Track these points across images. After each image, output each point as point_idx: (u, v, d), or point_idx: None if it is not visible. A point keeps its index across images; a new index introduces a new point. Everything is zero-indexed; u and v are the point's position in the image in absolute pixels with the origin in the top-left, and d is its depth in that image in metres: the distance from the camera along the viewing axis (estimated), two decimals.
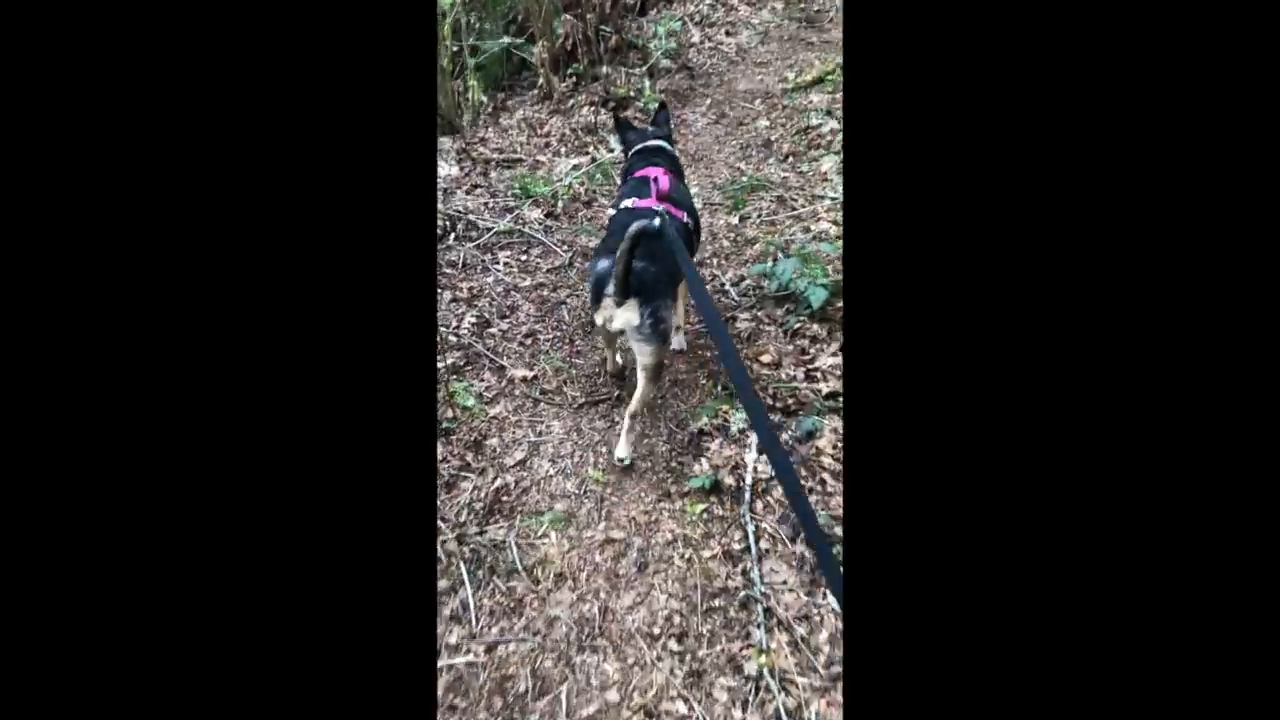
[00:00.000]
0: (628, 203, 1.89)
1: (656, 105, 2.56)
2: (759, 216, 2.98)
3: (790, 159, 3.47)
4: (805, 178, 3.29)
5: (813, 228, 2.89)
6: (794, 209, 3.04)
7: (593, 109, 3.79)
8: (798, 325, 2.28)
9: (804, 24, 5.26)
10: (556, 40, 3.90)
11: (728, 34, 5.06)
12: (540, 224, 2.95)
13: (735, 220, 2.95)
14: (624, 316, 1.65)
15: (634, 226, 1.54)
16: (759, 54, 4.85)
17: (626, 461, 1.82)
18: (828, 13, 5.43)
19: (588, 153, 3.47)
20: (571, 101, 3.90)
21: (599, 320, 1.72)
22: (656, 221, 1.58)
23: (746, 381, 0.99)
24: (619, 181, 2.33)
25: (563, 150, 3.52)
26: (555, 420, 2.01)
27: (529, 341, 2.34)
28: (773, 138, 3.69)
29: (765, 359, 2.17)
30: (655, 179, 1.90)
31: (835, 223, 2.91)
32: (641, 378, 1.77)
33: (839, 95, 3.98)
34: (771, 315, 2.38)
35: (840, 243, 2.49)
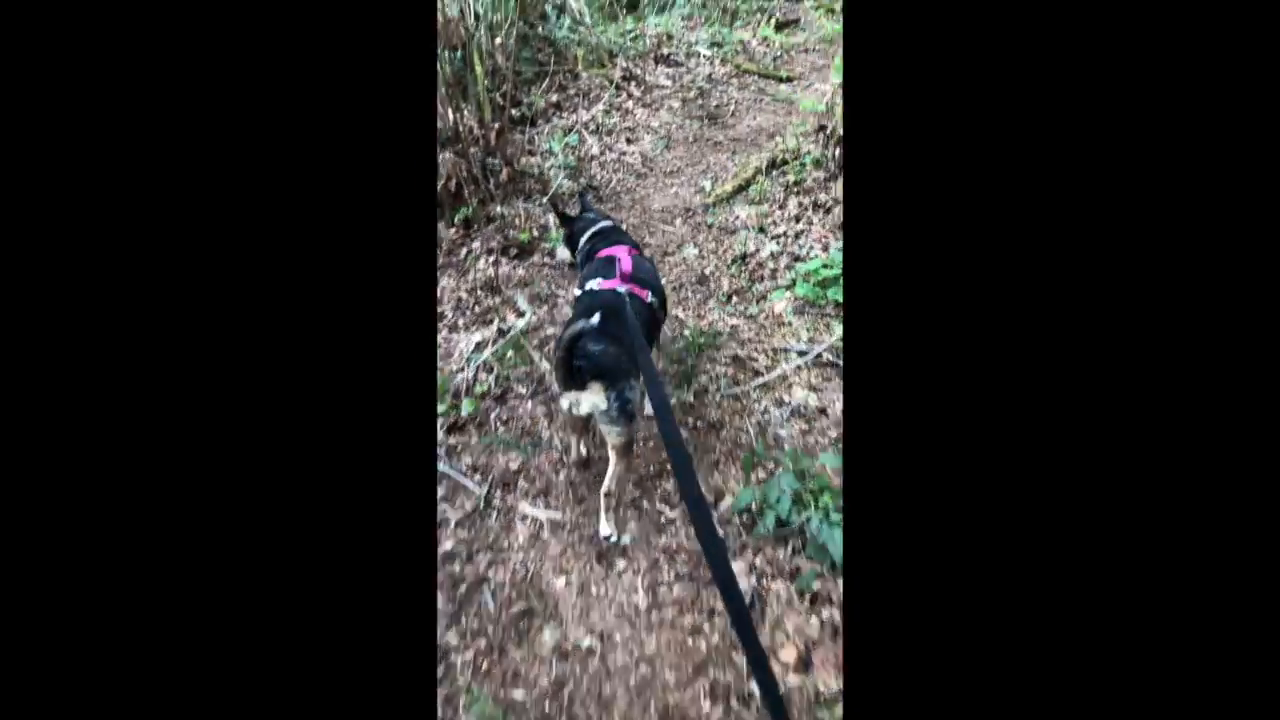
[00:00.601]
0: (593, 283, 1.86)
1: (578, 194, 2.62)
2: (717, 390, 2.40)
3: (734, 299, 2.94)
4: (758, 324, 2.76)
5: (786, 398, 2.32)
6: (757, 371, 2.48)
7: (492, 260, 3.16)
8: (816, 585, 1.65)
9: (706, 122, 4.92)
10: (438, 182, 3.29)
11: (629, 142, 4.63)
12: (439, 444, 2.24)
13: (689, 398, 2.35)
14: (589, 400, 1.63)
15: (569, 330, 1.53)
16: (667, 162, 4.42)
17: (614, 539, 1.83)
18: (728, 107, 5.13)
19: (492, 321, 2.81)
20: (465, 252, 3.26)
21: (564, 404, 1.70)
22: (595, 320, 1.59)
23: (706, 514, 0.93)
24: (578, 269, 2.23)
25: (460, 322, 2.85)
26: None
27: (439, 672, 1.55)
28: (707, 270, 3.17)
29: (785, 656, 1.52)
30: (619, 259, 1.90)
31: (812, 387, 2.35)
32: (612, 456, 1.77)
33: (767, 207, 3.55)
34: (775, 563, 1.75)
35: (840, 456, 1.92)
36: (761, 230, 3.34)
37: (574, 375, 1.59)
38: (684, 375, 2.45)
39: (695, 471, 1.12)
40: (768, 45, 6.43)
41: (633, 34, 6.12)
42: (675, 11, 6.97)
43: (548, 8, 5.46)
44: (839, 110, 3.65)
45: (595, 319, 1.59)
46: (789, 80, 5.66)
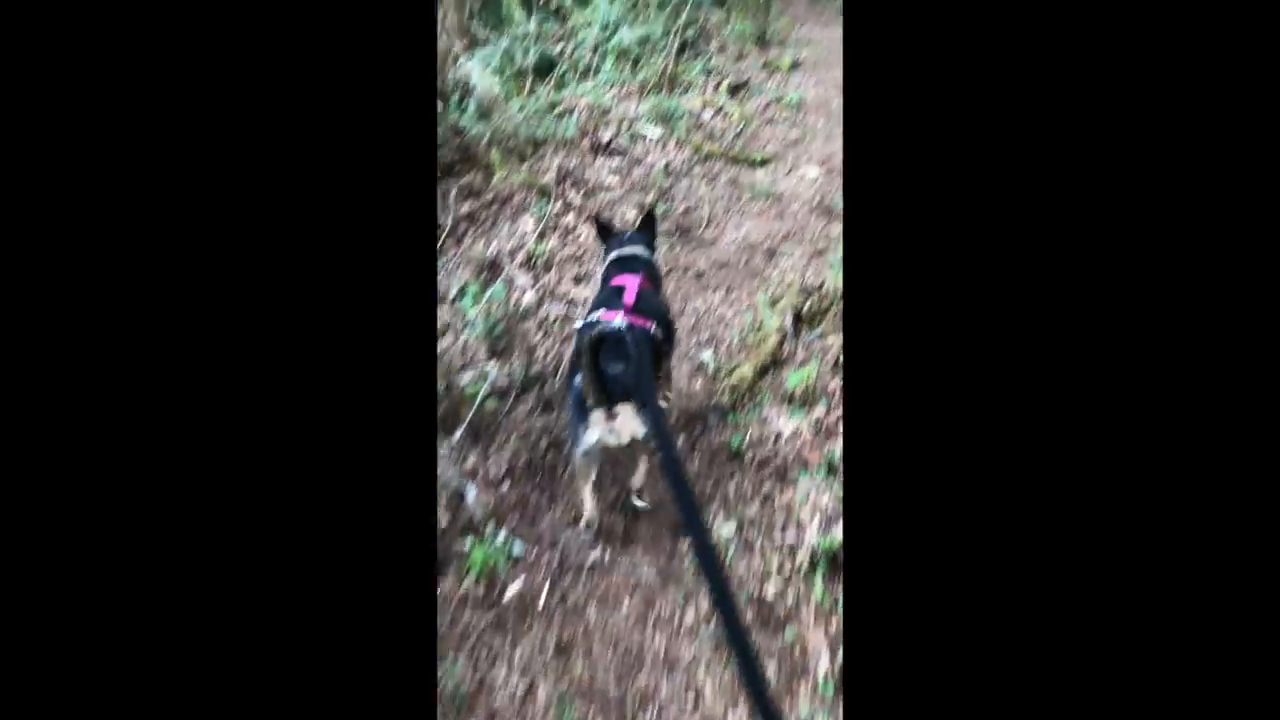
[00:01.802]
0: (595, 315, 1.77)
1: (644, 213, 2.31)
2: None
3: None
4: None
5: None
6: None
7: None
8: None
9: (677, 237, 3.64)
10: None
11: (577, 280, 3.26)
12: None
13: None
14: (629, 426, 1.56)
15: (584, 338, 1.50)
16: None
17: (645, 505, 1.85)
18: (699, 211, 3.87)
19: None
20: None
21: (591, 440, 1.58)
22: (618, 323, 1.58)
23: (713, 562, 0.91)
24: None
25: None
26: None
27: None
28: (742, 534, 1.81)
29: None
30: (626, 288, 1.86)
31: None
32: (643, 462, 1.81)
33: (823, 409, 2.24)
34: None
35: None
36: (831, 471, 1.98)
37: (607, 392, 1.50)
38: None
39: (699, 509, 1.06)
40: (725, 118, 5.26)
41: (557, 111, 4.83)
42: (601, 78, 5.75)
43: (450, 87, 4.10)
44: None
45: (618, 320, 1.58)
46: (764, 163, 4.47)
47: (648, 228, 2.22)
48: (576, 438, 1.64)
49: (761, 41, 7.50)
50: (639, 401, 1.51)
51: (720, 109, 5.37)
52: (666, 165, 4.31)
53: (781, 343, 2.54)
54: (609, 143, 4.47)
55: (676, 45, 5.70)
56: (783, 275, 3.08)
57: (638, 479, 1.79)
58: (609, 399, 1.52)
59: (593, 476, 1.78)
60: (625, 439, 1.56)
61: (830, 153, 4.61)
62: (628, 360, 1.53)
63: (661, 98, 5.39)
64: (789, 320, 2.62)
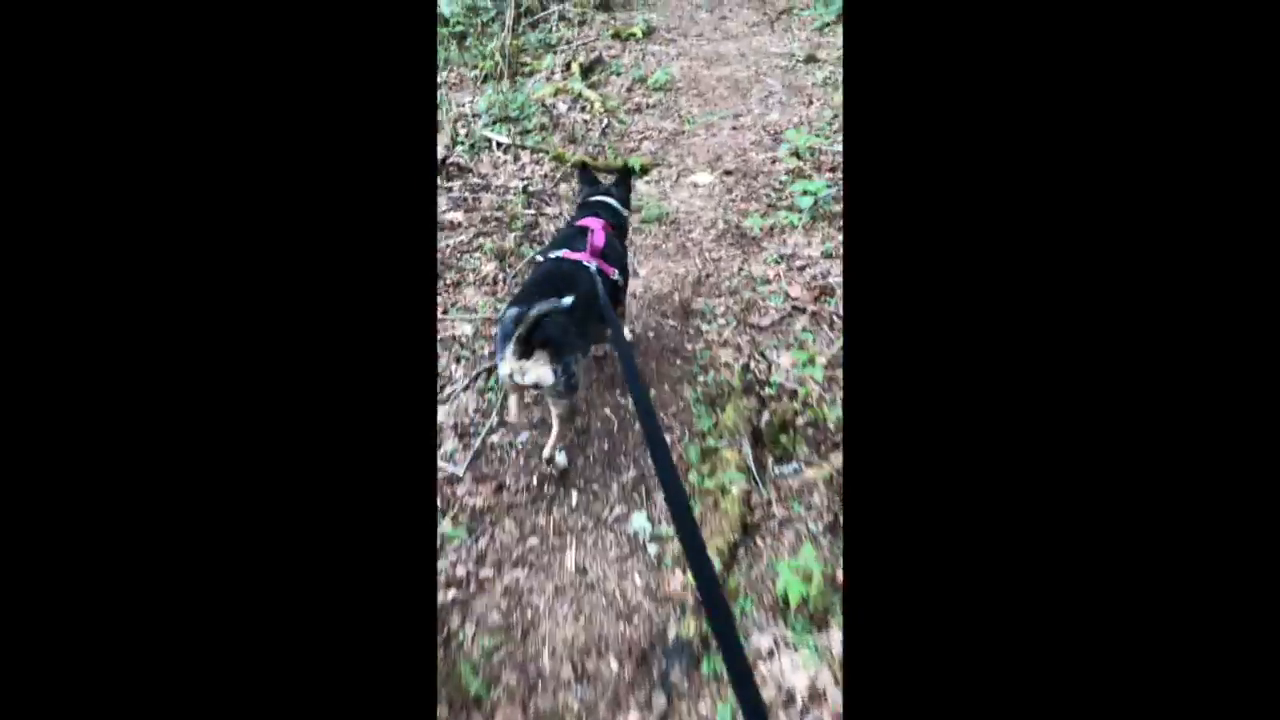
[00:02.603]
0: (558, 253, 1.86)
1: (622, 170, 2.54)
2: None
3: None
4: None
5: None
6: None
7: None
8: None
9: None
10: None
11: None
12: None
13: None
14: (535, 372, 1.61)
15: (537, 308, 1.51)
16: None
17: (563, 464, 1.87)
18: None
19: None
20: None
21: (504, 371, 1.64)
22: (568, 300, 1.57)
23: (681, 497, 0.85)
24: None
25: None
26: None
27: None
28: None
29: None
30: (592, 230, 1.91)
31: None
32: (555, 423, 1.80)
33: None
34: None
35: None
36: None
37: (526, 348, 1.56)
38: None
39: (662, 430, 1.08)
40: (584, 109, 4.30)
41: None
42: None
43: None
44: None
45: (568, 300, 1.57)
46: (645, 172, 3.61)
47: (624, 183, 2.30)
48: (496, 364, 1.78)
49: (605, 5, 6.52)
50: (553, 353, 1.58)
51: (578, 97, 4.40)
52: (525, 187, 3.31)
53: (747, 496, 1.74)
54: (445, 160, 3.39)
55: (512, 15, 4.60)
56: (713, 357, 2.28)
57: (549, 445, 1.83)
58: (525, 353, 1.57)
59: (514, 394, 1.95)
60: (529, 381, 1.62)
61: (716, 147, 3.82)
62: (569, 316, 1.59)
63: (503, 90, 4.32)
64: (745, 447, 1.83)
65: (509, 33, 4.58)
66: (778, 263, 2.74)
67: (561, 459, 1.86)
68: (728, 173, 3.53)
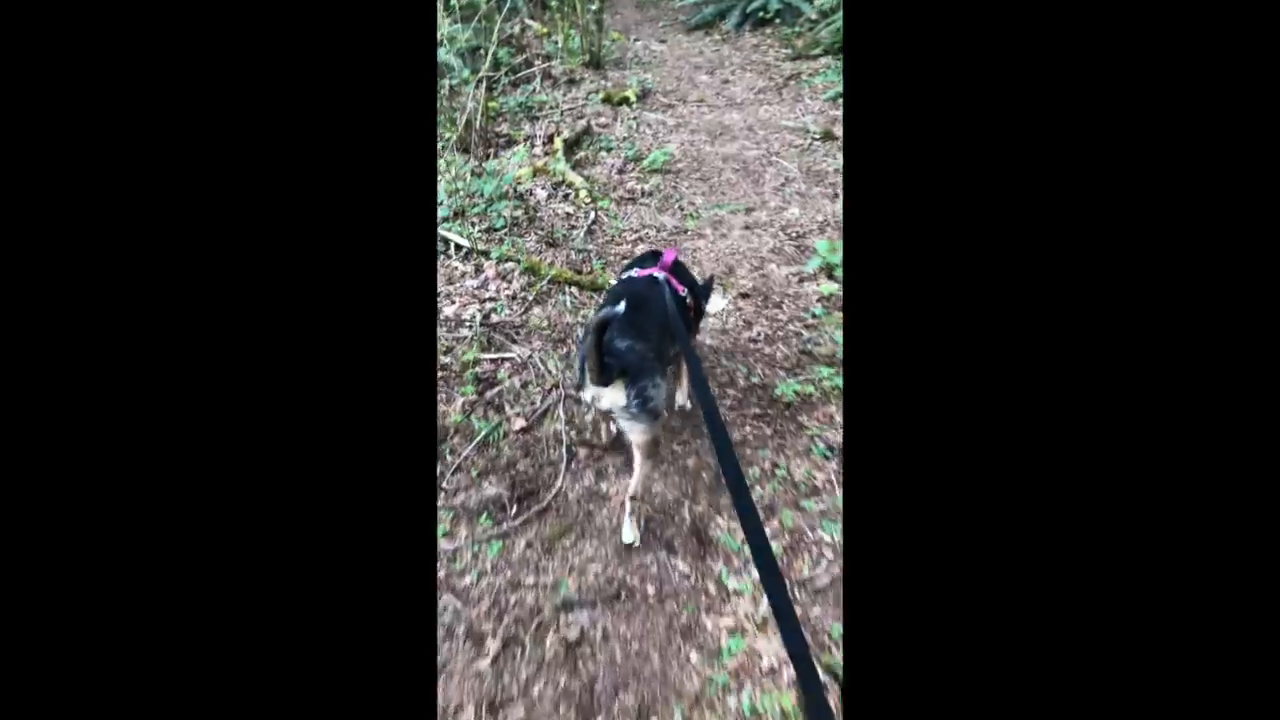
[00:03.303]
0: (631, 273, 1.86)
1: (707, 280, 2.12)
2: None
3: None
4: None
5: None
6: None
7: None
8: None
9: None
10: None
11: None
12: None
13: None
14: (610, 396, 1.54)
15: (595, 316, 1.43)
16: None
17: (635, 542, 1.75)
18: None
19: None
20: None
21: (586, 398, 1.59)
22: (620, 307, 1.53)
23: (744, 489, 0.88)
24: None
25: None
26: None
27: None
28: None
29: None
30: (664, 254, 1.91)
31: None
32: (637, 456, 1.69)
33: None
34: None
35: None
36: None
37: (603, 371, 1.47)
38: None
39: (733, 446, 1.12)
40: (568, 197, 3.57)
41: None
42: None
43: None
44: None
45: (621, 306, 1.54)
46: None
47: (707, 288, 2.05)
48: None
49: (595, 63, 5.88)
50: (630, 378, 1.51)
51: (561, 181, 3.67)
52: (486, 316, 2.54)
53: None
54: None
55: (486, 78, 3.88)
56: (746, 657, 1.50)
57: (634, 484, 1.71)
58: (605, 379, 1.50)
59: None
60: (605, 407, 1.56)
61: (727, 253, 3.11)
62: (634, 336, 1.55)
63: (466, 165, 3.58)
64: None
65: (480, 101, 3.86)
66: (827, 457, 1.99)
67: (629, 533, 1.73)
68: (744, 295, 2.80)
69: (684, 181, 3.90)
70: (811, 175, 3.88)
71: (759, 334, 2.56)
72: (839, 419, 2.13)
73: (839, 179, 3.78)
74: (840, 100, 4.98)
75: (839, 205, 3.50)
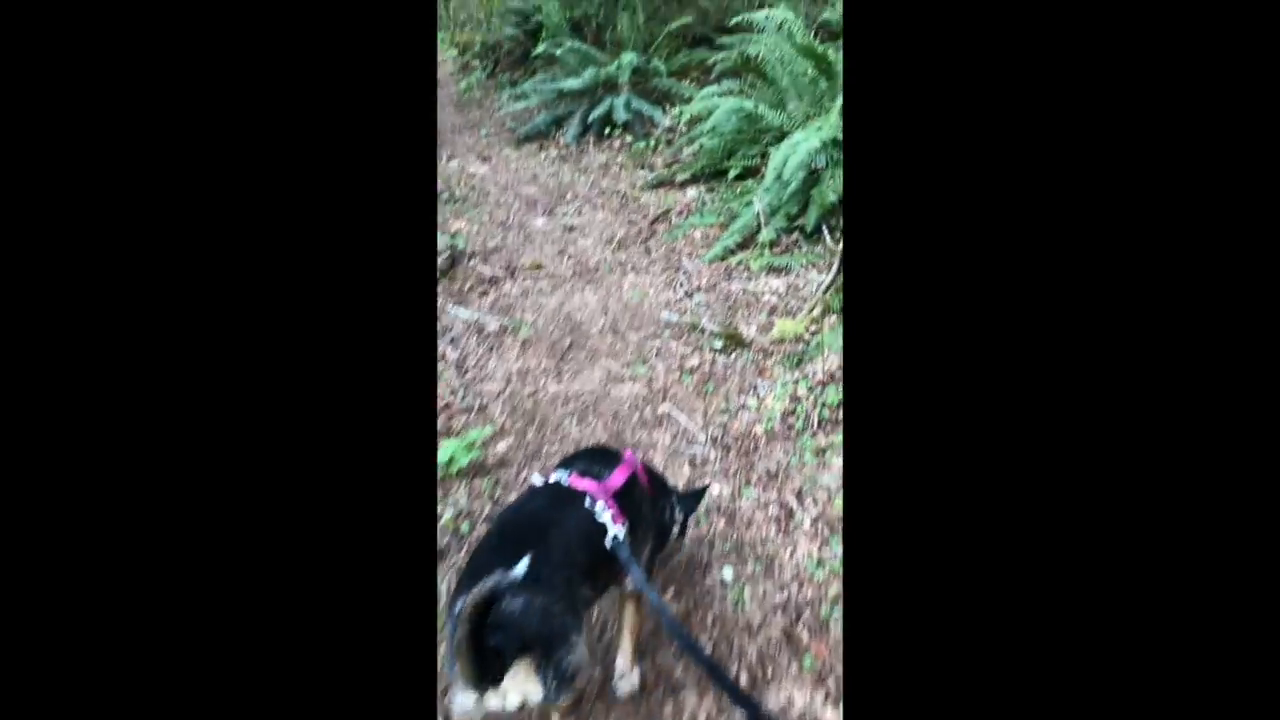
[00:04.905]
0: (558, 475, 1.35)
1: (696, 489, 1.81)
2: None
3: None
4: None
5: None
6: None
7: None
8: None
9: None
10: None
11: None
12: None
13: None
14: (520, 689, 1.04)
15: (469, 597, 0.93)
16: None
17: None
18: None
19: None
20: None
21: (466, 708, 1.05)
22: (521, 568, 1.07)
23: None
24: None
25: None
26: None
27: None
28: None
29: None
30: (629, 460, 1.44)
31: None
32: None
33: None
34: None
35: None
36: None
37: (487, 662, 1.00)
38: None
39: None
40: None
41: None
42: None
43: None
44: None
45: (522, 567, 1.08)
46: None
47: (695, 498, 1.74)
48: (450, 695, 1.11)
49: None
50: (540, 655, 1.03)
51: None
52: None
53: None
54: None
55: None
56: None
57: None
58: (495, 673, 1.02)
59: None
60: (514, 705, 1.04)
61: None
62: (530, 588, 1.06)
63: None
64: None
65: None
66: None
67: None
68: None
69: (512, 472, 2.18)
70: (722, 439, 2.31)
71: None
72: None
73: (781, 455, 2.24)
74: (725, 259, 3.56)
75: (810, 530, 1.94)
